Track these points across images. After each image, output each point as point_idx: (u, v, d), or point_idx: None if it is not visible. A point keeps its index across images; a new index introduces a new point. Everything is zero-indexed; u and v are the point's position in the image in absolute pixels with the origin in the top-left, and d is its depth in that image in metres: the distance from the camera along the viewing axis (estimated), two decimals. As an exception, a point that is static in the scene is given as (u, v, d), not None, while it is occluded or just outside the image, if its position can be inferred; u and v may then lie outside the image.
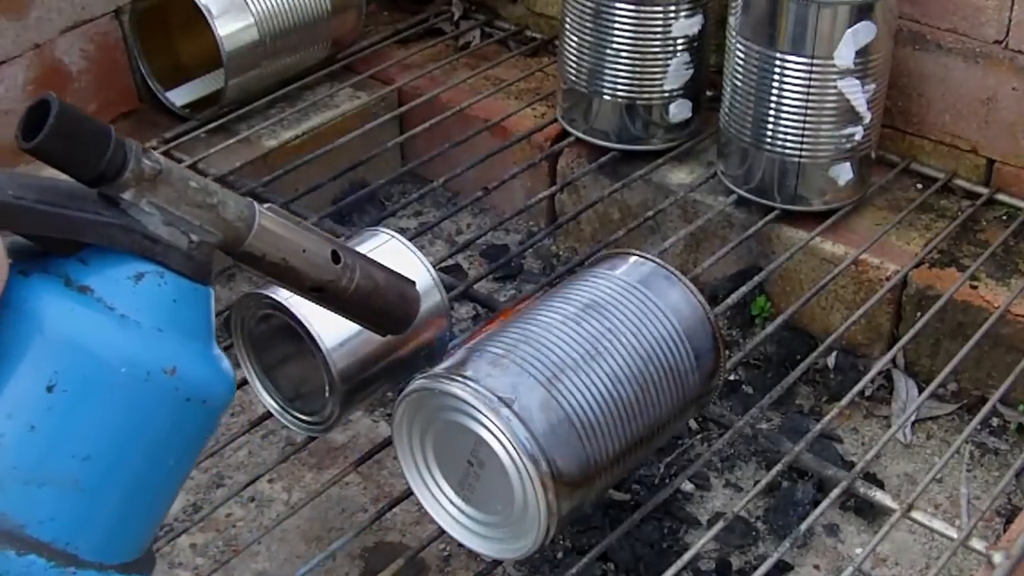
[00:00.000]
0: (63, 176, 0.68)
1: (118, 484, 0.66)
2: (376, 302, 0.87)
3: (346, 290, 0.84)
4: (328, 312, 1.10)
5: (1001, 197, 1.52)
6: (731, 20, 1.44)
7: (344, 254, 0.83)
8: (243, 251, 0.76)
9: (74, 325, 0.64)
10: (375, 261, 0.88)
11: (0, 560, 0.62)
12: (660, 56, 1.51)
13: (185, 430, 0.69)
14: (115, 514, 0.67)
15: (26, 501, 0.63)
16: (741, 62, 1.43)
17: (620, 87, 1.54)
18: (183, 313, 0.69)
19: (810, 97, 1.39)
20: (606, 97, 1.55)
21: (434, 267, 1.18)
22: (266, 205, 0.79)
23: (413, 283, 0.91)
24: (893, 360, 1.40)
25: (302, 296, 0.84)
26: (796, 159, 1.43)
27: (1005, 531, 1.23)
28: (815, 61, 1.37)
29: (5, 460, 0.62)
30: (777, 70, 1.39)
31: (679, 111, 1.56)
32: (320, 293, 0.83)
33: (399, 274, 0.91)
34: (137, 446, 0.67)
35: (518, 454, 0.94)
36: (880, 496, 1.16)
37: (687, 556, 1.07)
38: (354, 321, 0.89)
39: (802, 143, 1.42)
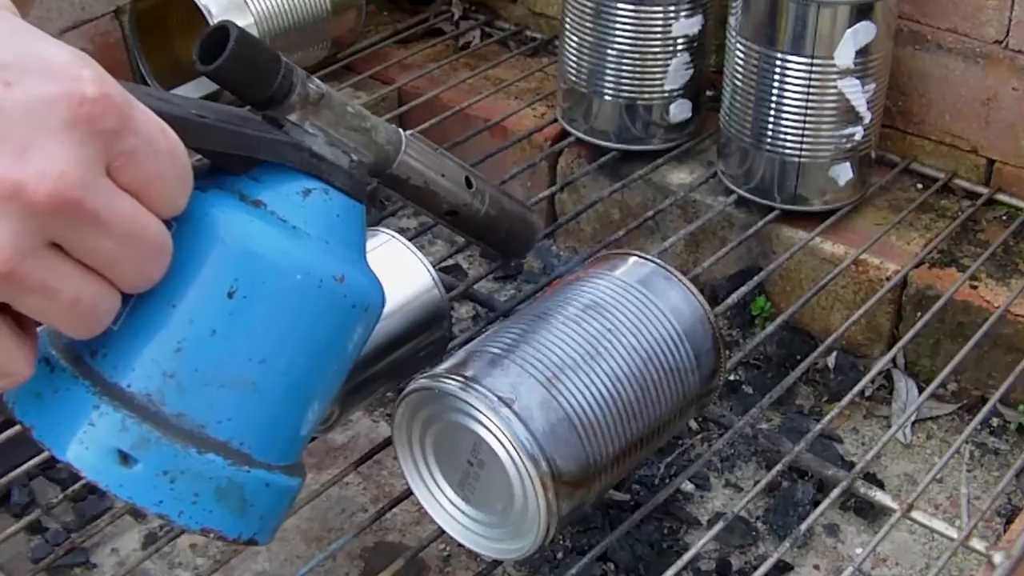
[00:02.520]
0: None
1: (289, 387, 0.69)
2: (502, 226, 0.93)
3: (477, 213, 0.90)
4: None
5: (1001, 197, 1.52)
6: (731, 20, 1.44)
7: (475, 180, 0.89)
8: (390, 173, 0.82)
9: (252, 235, 0.66)
10: (500, 188, 0.94)
11: (182, 458, 0.64)
12: (660, 56, 1.51)
13: (349, 336, 0.72)
14: (284, 416, 0.70)
15: (206, 402, 0.65)
16: (741, 62, 1.43)
17: (620, 87, 1.54)
18: (345, 227, 0.73)
19: (810, 97, 1.39)
20: (606, 97, 1.55)
21: (434, 267, 1.18)
22: (409, 132, 0.84)
23: (534, 211, 0.97)
24: (893, 360, 1.40)
25: (436, 220, 0.89)
26: (796, 159, 1.44)
27: (1005, 531, 1.23)
28: (815, 61, 1.37)
29: (187, 363, 0.64)
30: (777, 70, 1.39)
31: (679, 111, 1.56)
32: (453, 217, 0.89)
33: (522, 202, 0.97)
34: (308, 350, 0.69)
35: (518, 454, 0.94)
36: (880, 496, 1.16)
37: (687, 556, 1.07)
38: (480, 245, 0.96)
39: (802, 143, 1.42)
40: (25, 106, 0.50)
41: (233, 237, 0.65)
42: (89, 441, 0.63)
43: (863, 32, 1.36)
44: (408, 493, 1.07)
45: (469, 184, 0.89)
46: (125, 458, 0.63)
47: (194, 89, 1.71)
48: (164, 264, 0.59)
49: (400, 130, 0.83)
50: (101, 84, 0.52)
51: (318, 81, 0.76)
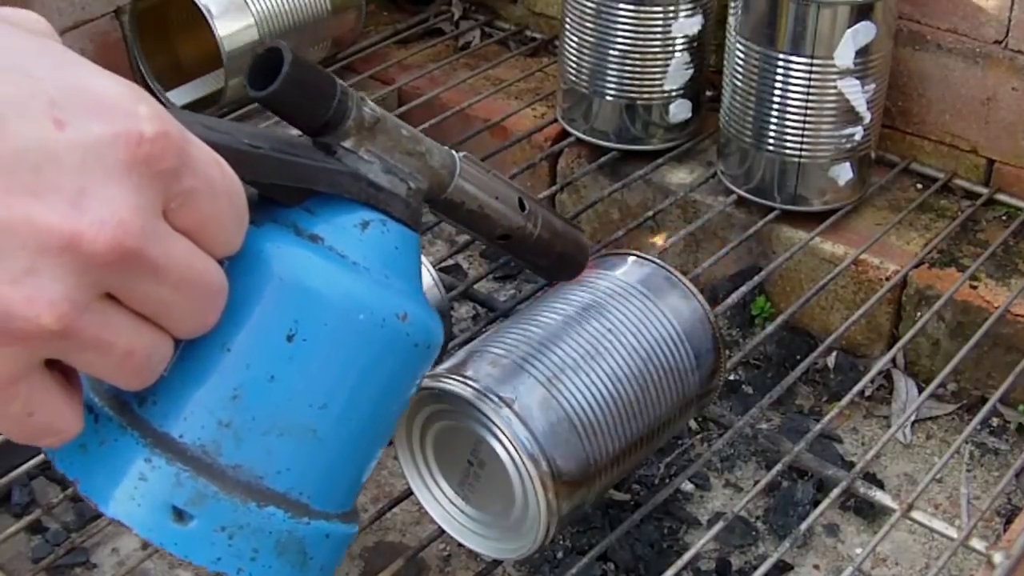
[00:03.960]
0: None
1: (351, 433, 0.65)
2: (555, 249, 0.91)
3: (530, 236, 0.87)
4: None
5: (1001, 197, 1.52)
6: (731, 20, 1.44)
7: (528, 202, 0.87)
8: (445, 198, 0.79)
9: (311, 273, 0.62)
10: (552, 209, 0.92)
11: (241, 512, 0.60)
12: (660, 56, 1.51)
13: (409, 375, 0.70)
14: (345, 463, 0.67)
15: (265, 452, 0.61)
16: (741, 62, 1.43)
17: (620, 87, 1.54)
18: (403, 260, 0.70)
19: (810, 97, 1.39)
20: (606, 97, 1.55)
21: (434, 267, 1.18)
22: (462, 154, 0.81)
23: (584, 231, 0.95)
24: (893, 360, 1.40)
25: (489, 244, 0.87)
26: (796, 159, 1.44)
27: (1005, 531, 1.23)
28: (815, 61, 1.37)
29: (245, 412, 0.60)
30: (777, 70, 1.39)
31: (679, 111, 1.56)
32: (507, 240, 0.87)
33: (573, 223, 0.95)
34: (369, 392, 0.66)
35: (518, 454, 0.94)
36: (880, 496, 1.16)
37: (687, 556, 1.07)
38: (531, 267, 0.94)
39: (802, 143, 1.42)
40: (81, 148, 0.46)
41: (291, 274, 0.61)
42: (141, 497, 0.58)
43: (863, 32, 1.36)
44: (408, 493, 1.07)
45: (522, 207, 0.85)
46: (180, 515, 0.59)
47: (194, 90, 1.71)
48: (220, 308, 0.55)
49: (454, 152, 0.80)
50: (159, 121, 0.49)
51: (372, 103, 0.72)
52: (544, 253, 0.90)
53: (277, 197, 0.65)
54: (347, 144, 0.70)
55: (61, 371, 0.51)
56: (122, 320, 0.49)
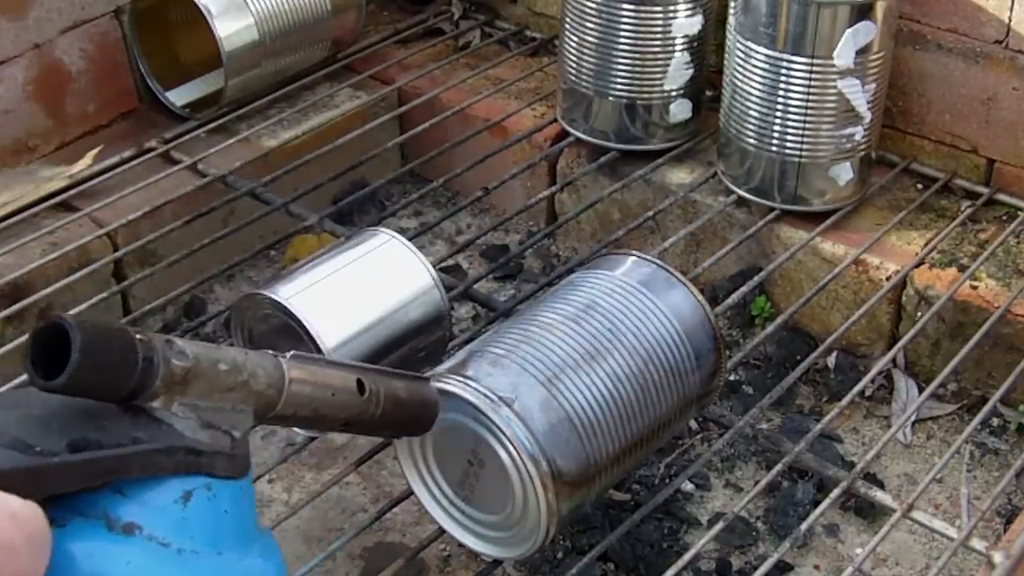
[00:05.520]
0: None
1: None
2: (399, 417, 0.88)
3: (373, 416, 0.83)
4: (328, 312, 1.11)
5: (1001, 197, 1.52)
6: (731, 20, 1.44)
7: (368, 380, 0.82)
8: (275, 415, 0.74)
9: None
10: (396, 372, 0.88)
11: None
12: (660, 56, 1.51)
13: None
14: None
15: None
16: (741, 62, 1.43)
17: (620, 87, 1.54)
18: (234, 520, 0.65)
19: (810, 97, 1.39)
20: (606, 97, 1.55)
21: (434, 267, 1.18)
22: (290, 355, 0.77)
23: (429, 380, 0.92)
24: (893, 360, 1.40)
25: (331, 431, 0.83)
26: (796, 159, 1.43)
27: (1005, 531, 1.23)
28: (815, 61, 1.37)
29: None
30: (777, 70, 1.39)
31: (679, 111, 1.56)
32: (348, 426, 0.82)
33: (418, 377, 0.91)
34: None
35: (518, 454, 0.94)
36: (880, 496, 1.16)
37: (687, 556, 1.07)
38: (377, 435, 0.89)
39: (802, 143, 1.42)
40: None
41: None
42: None
43: (863, 32, 1.36)
44: (408, 493, 1.07)
45: (362, 390, 0.81)
46: None
47: (194, 89, 1.71)
48: None
49: (282, 362, 0.74)
50: None
51: (183, 346, 0.65)
52: (389, 425, 0.87)
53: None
54: (157, 404, 0.64)
55: None
56: None
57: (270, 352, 0.74)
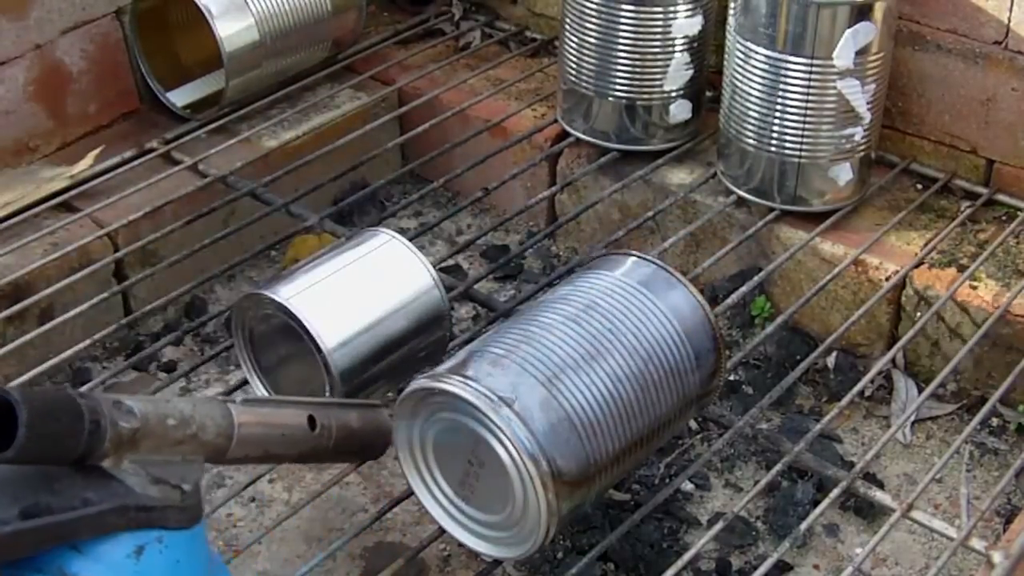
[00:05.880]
0: None
1: None
2: (354, 445, 0.92)
3: (326, 448, 0.87)
4: (328, 312, 1.11)
5: (1001, 197, 1.52)
6: (731, 20, 1.44)
7: (319, 415, 0.85)
8: (227, 459, 0.78)
9: None
10: (349, 402, 0.91)
11: None
12: (660, 56, 1.52)
13: None
14: None
15: None
16: (741, 62, 1.43)
17: (620, 88, 1.54)
18: (189, 568, 0.67)
19: (810, 97, 1.39)
20: (606, 98, 1.55)
21: (434, 267, 1.18)
22: (241, 400, 0.79)
23: (381, 407, 0.95)
24: (893, 360, 1.40)
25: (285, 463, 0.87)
26: (796, 159, 1.44)
27: (1005, 531, 1.23)
28: (815, 61, 1.37)
29: None
30: (777, 70, 1.39)
31: (679, 111, 1.56)
32: (303, 458, 0.87)
33: (371, 404, 0.94)
34: None
35: (518, 454, 0.94)
36: (880, 496, 1.16)
37: (687, 556, 1.07)
38: (333, 462, 0.93)
39: (802, 143, 1.42)
40: None
41: None
42: None
43: (863, 32, 1.36)
44: (408, 493, 1.07)
45: (313, 426, 0.85)
46: None
47: (195, 90, 1.71)
48: None
49: (232, 409, 0.77)
50: None
51: (131, 404, 0.68)
52: (343, 454, 0.91)
53: None
54: (107, 464, 0.66)
55: None
56: None
57: (219, 398, 0.77)
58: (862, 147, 1.44)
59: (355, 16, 1.77)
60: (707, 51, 1.56)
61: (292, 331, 1.10)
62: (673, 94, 1.54)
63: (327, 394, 1.10)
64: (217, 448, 0.75)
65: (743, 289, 1.39)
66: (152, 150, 1.60)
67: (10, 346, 1.30)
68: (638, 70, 1.52)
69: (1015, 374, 1.28)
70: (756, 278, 1.41)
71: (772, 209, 1.48)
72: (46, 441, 0.62)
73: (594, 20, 1.51)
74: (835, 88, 1.38)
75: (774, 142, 1.43)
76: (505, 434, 0.94)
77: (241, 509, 1.29)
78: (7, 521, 0.58)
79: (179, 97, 1.70)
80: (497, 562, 1.10)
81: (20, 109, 1.57)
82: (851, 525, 1.30)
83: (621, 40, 1.51)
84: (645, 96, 1.54)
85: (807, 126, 1.41)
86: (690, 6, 1.49)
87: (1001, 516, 1.30)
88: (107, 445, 0.65)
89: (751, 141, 1.45)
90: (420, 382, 0.99)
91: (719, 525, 1.11)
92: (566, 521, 0.99)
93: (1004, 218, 1.51)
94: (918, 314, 1.41)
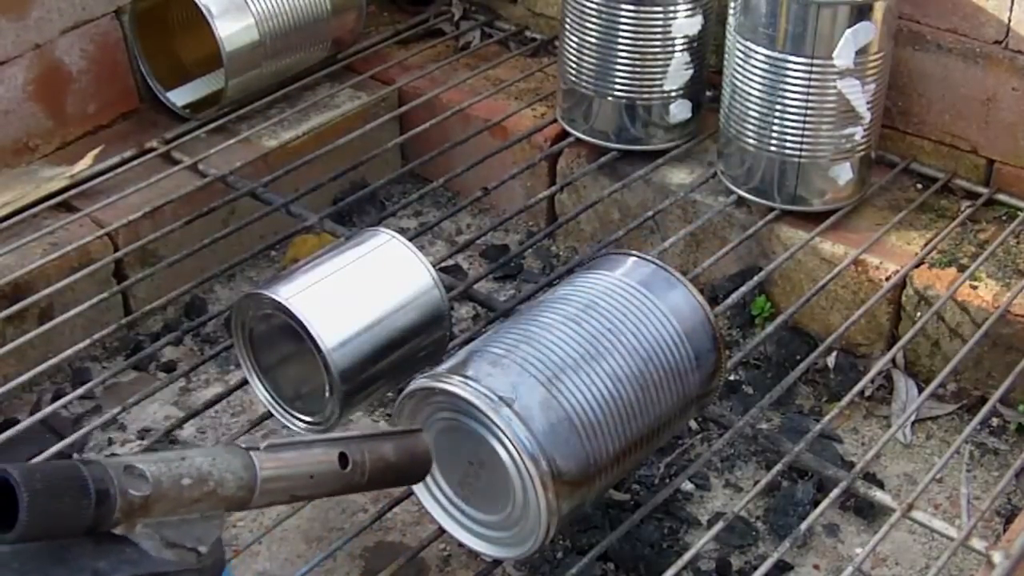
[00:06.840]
0: None
1: None
2: (391, 476, 0.90)
3: (360, 483, 0.85)
4: (328, 312, 1.11)
5: (1001, 197, 1.52)
6: (731, 20, 1.44)
7: (351, 451, 0.83)
8: (251, 507, 0.76)
9: None
10: (385, 432, 0.89)
11: None
12: (660, 56, 1.52)
13: None
14: None
15: None
16: (741, 62, 1.43)
17: (620, 87, 1.54)
18: None
19: (810, 97, 1.39)
20: (606, 97, 1.55)
21: (434, 267, 1.18)
22: (265, 444, 0.77)
23: (419, 431, 0.93)
24: (893, 360, 1.40)
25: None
26: (796, 159, 1.44)
27: (1005, 531, 1.23)
28: (815, 61, 1.37)
29: None
30: (777, 70, 1.39)
31: (679, 111, 1.56)
32: (337, 495, 0.84)
33: (407, 431, 0.92)
34: None
35: (518, 453, 0.94)
36: (880, 496, 1.16)
37: (687, 556, 1.07)
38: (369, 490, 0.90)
39: (802, 143, 1.42)
40: None
41: None
42: None
43: (863, 32, 1.36)
44: (408, 493, 1.07)
45: (344, 464, 0.83)
46: None
47: (195, 90, 1.71)
48: None
49: (254, 458, 0.75)
50: None
51: (143, 468, 0.66)
52: (378, 483, 0.89)
53: None
54: (119, 531, 0.65)
55: None
56: None
57: (241, 446, 0.75)
58: (862, 147, 1.44)
59: (355, 16, 1.77)
60: (707, 51, 1.56)
61: (292, 331, 1.10)
62: (673, 94, 1.54)
63: (327, 394, 1.10)
64: (240, 499, 0.74)
65: (743, 289, 1.39)
66: (152, 150, 1.60)
67: (10, 346, 1.30)
68: (638, 70, 1.52)
69: (1015, 374, 1.28)
70: (756, 278, 1.41)
71: (772, 209, 1.48)
72: (50, 520, 0.61)
73: (594, 20, 1.51)
74: (835, 88, 1.38)
75: (774, 142, 1.43)
76: (505, 434, 0.94)
77: (241, 509, 1.29)
78: None
79: (179, 97, 1.70)
80: (497, 562, 1.10)
81: (20, 109, 1.57)
82: (851, 525, 1.30)
83: (621, 40, 1.51)
84: (645, 96, 1.54)
85: (807, 126, 1.41)
86: (690, 6, 1.49)
87: (1001, 516, 1.30)
88: (117, 515, 0.65)
89: (751, 141, 1.45)
90: (420, 382, 0.99)
91: (719, 525, 1.11)
92: (566, 521, 0.99)
93: (1004, 218, 1.51)
94: (918, 314, 1.41)
